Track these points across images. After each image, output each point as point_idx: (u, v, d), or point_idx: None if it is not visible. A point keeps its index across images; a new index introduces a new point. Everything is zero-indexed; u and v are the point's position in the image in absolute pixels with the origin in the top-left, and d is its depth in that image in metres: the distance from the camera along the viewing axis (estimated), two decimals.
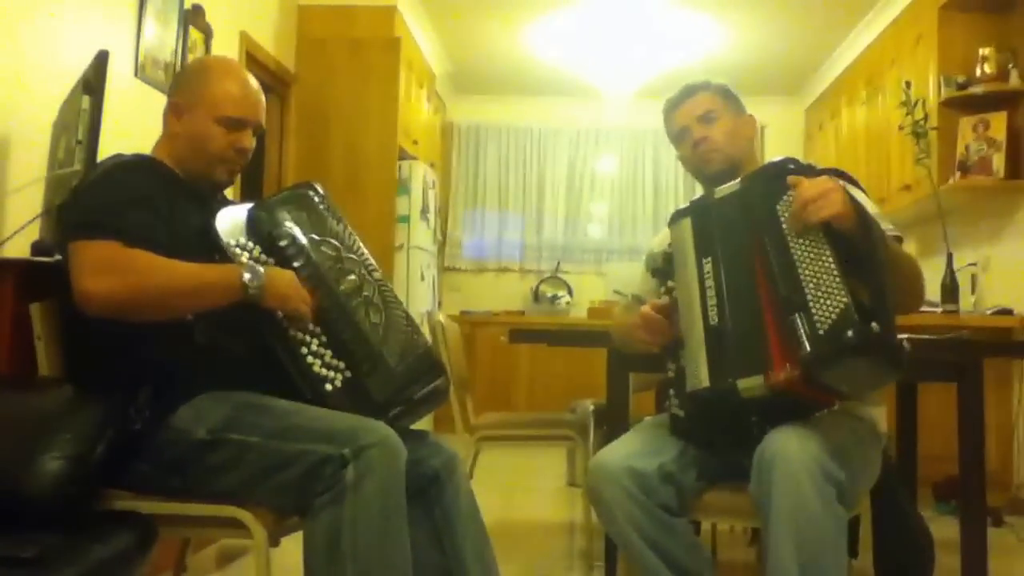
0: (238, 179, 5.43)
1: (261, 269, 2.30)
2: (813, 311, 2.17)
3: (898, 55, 6.77)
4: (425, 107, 8.17)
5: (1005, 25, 5.86)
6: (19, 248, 3.09)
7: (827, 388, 2.26)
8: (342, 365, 2.39)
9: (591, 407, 4.72)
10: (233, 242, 2.39)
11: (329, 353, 2.39)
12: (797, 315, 2.19)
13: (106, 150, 2.82)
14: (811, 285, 2.19)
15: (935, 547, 3.27)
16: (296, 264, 2.41)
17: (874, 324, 2.10)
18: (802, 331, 2.18)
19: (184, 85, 2.54)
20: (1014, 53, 5.65)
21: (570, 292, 9.69)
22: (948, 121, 5.88)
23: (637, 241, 9.75)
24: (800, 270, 2.22)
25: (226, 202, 2.61)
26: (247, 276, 2.27)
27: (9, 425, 2.12)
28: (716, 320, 2.37)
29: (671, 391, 2.57)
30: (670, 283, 2.59)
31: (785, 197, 2.28)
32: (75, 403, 2.19)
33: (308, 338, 2.38)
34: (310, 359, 2.37)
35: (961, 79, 5.82)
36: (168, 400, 2.28)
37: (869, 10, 7.25)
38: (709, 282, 2.41)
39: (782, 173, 2.33)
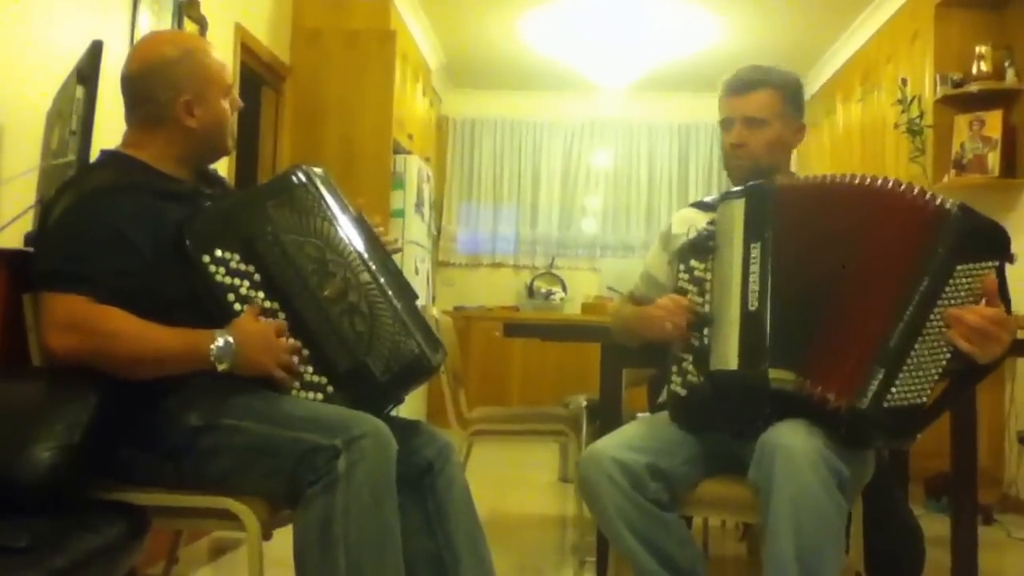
0: (233, 171, 5.45)
1: (231, 339, 2.23)
2: (896, 383, 2.19)
3: (894, 52, 6.77)
4: (420, 101, 8.16)
5: (1001, 23, 5.87)
6: (12, 238, 3.08)
7: (859, 435, 2.29)
8: (324, 381, 2.35)
9: (584, 402, 4.72)
10: (208, 259, 2.31)
11: (310, 370, 2.34)
12: (882, 368, 2.19)
13: (100, 140, 2.80)
14: (913, 357, 2.19)
15: (926, 543, 3.28)
16: (275, 271, 2.35)
17: (918, 436, 2.22)
18: (872, 385, 2.19)
19: (184, 80, 2.41)
20: (1010, 51, 5.66)
21: (564, 288, 9.69)
22: (944, 119, 5.89)
23: (631, 236, 9.77)
24: (920, 341, 2.19)
25: (215, 194, 2.53)
26: (217, 347, 2.21)
27: (0, 415, 2.11)
28: (756, 306, 2.36)
29: (674, 369, 2.54)
30: (693, 262, 2.55)
31: (973, 267, 2.21)
32: (67, 393, 2.17)
33: None
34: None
35: (957, 77, 5.82)
36: (160, 389, 2.26)
37: (866, 7, 7.24)
38: (754, 267, 2.38)
39: (984, 253, 2.23)
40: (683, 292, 2.55)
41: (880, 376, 2.19)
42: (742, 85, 2.76)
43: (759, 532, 2.31)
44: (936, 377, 2.18)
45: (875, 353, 2.21)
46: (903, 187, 2.31)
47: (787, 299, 2.35)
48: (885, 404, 2.18)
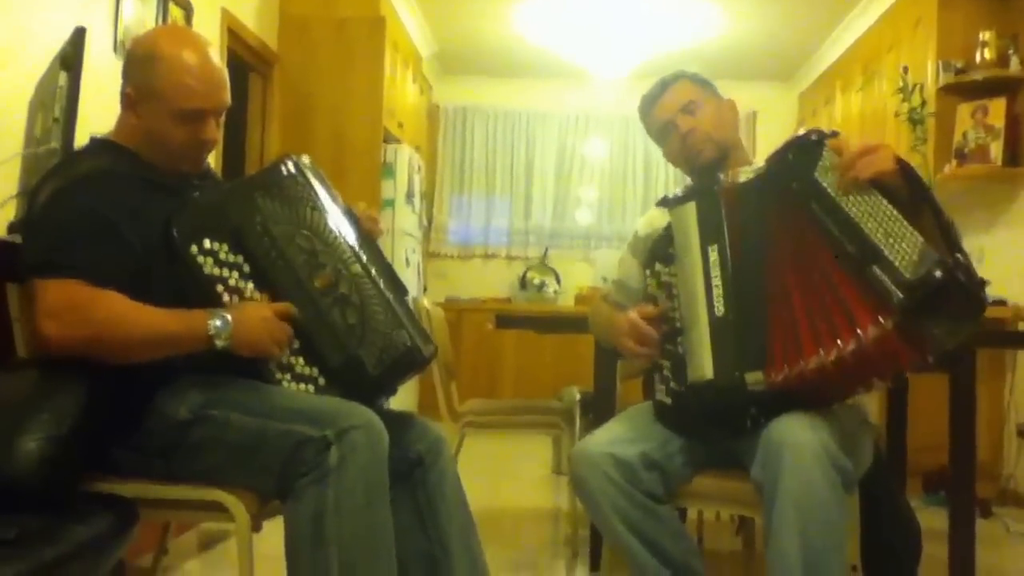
0: (220, 160, 5.39)
1: (228, 316, 2.19)
2: (890, 258, 2.06)
3: (896, 40, 6.70)
4: (411, 89, 8.10)
5: (1006, 10, 5.80)
6: None
7: (920, 338, 2.09)
8: (315, 372, 2.32)
9: (578, 395, 4.69)
10: (196, 249, 2.26)
11: (301, 361, 2.32)
12: (874, 266, 2.08)
13: (84, 128, 2.77)
14: (879, 234, 2.09)
15: (923, 537, 3.24)
16: (265, 262, 2.31)
17: (959, 255, 2.04)
18: (886, 280, 2.06)
19: (133, 74, 2.32)
20: (1015, 38, 5.58)
21: (558, 279, 9.64)
22: (946, 107, 5.81)
23: (626, 227, 9.68)
24: (863, 224, 2.12)
25: (202, 185, 2.46)
26: (216, 325, 2.18)
27: None
28: (722, 311, 2.31)
29: (656, 377, 2.52)
30: (657, 266, 2.52)
31: (820, 163, 2.23)
32: (54, 384, 2.15)
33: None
34: (279, 375, 2.31)
35: (960, 64, 5.75)
36: (150, 382, 2.23)
37: None
38: (715, 271, 2.34)
39: (813, 144, 2.28)
40: (653, 299, 2.53)
41: (880, 270, 2.07)
42: (659, 87, 2.89)
43: (762, 530, 2.27)
44: (904, 221, 2.08)
45: (859, 265, 2.11)
46: None
47: (747, 299, 2.31)
48: (907, 276, 2.03)
